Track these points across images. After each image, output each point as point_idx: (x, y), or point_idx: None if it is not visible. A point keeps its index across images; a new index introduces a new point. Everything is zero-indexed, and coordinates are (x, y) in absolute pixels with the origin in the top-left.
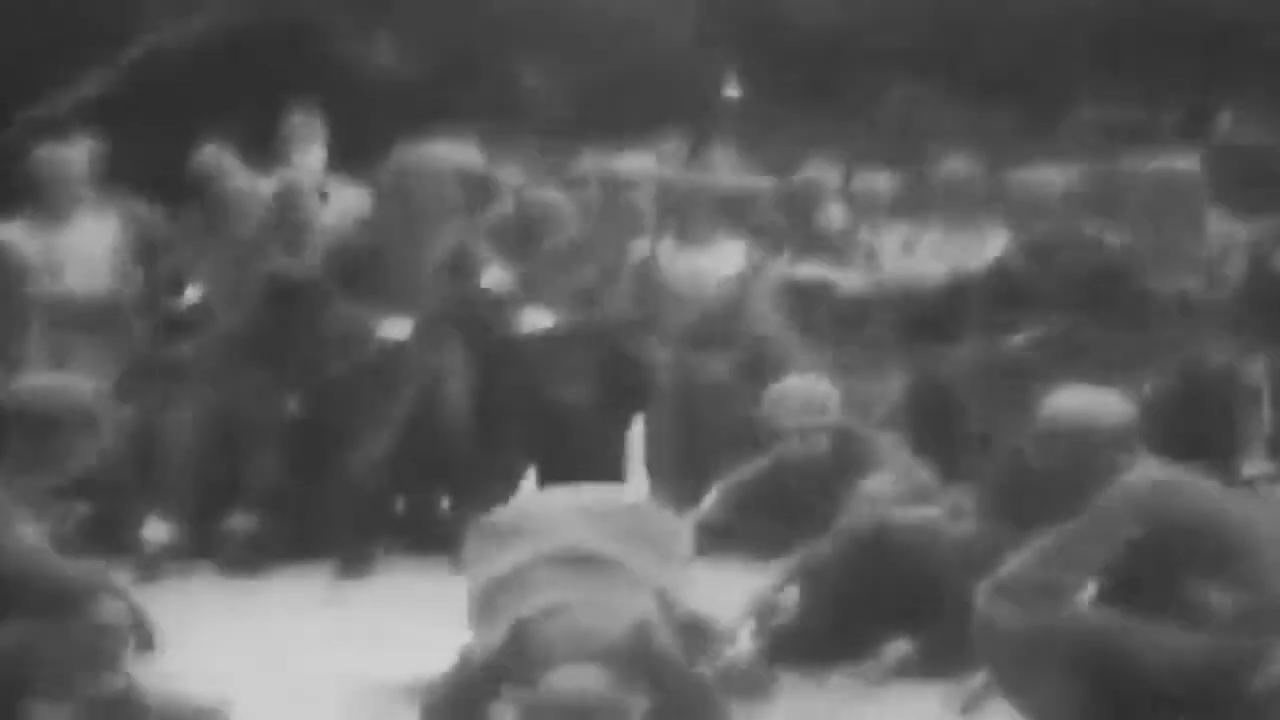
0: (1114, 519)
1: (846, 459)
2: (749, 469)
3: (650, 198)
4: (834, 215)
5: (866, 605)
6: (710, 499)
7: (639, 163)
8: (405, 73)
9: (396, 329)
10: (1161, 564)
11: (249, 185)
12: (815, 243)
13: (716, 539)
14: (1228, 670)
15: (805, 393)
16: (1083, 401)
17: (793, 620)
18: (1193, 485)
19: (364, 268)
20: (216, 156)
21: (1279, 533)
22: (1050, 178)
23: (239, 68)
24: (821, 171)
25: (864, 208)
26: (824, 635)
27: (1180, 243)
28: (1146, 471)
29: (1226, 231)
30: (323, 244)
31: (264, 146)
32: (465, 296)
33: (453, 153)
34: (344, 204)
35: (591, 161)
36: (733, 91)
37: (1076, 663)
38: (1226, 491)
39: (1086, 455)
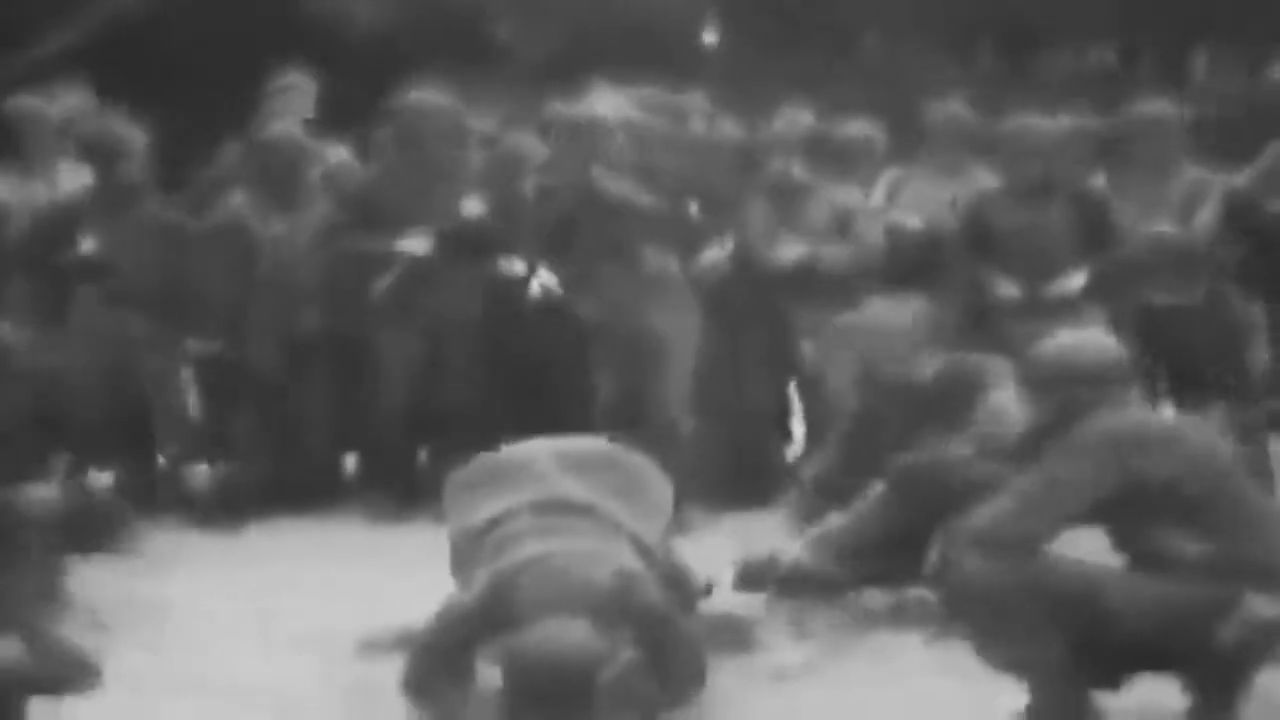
0: (1085, 468)
1: (956, 386)
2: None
3: (611, 142)
4: (797, 167)
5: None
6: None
7: (598, 105)
8: (381, 26)
9: (414, 244)
10: (1133, 513)
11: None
12: (777, 195)
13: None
14: (1196, 620)
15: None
16: (1074, 342)
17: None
18: (1168, 431)
19: (380, 214)
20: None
21: (1253, 479)
22: (1037, 124)
23: (215, 22)
24: (792, 120)
25: (844, 155)
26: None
27: (1155, 187)
28: (1120, 417)
29: (1198, 176)
30: (335, 193)
31: (241, 103)
32: (466, 236)
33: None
34: (327, 160)
35: (553, 107)
36: (711, 38)
37: (1046, 613)
38: (1204, 435)
39: (1077, 396)
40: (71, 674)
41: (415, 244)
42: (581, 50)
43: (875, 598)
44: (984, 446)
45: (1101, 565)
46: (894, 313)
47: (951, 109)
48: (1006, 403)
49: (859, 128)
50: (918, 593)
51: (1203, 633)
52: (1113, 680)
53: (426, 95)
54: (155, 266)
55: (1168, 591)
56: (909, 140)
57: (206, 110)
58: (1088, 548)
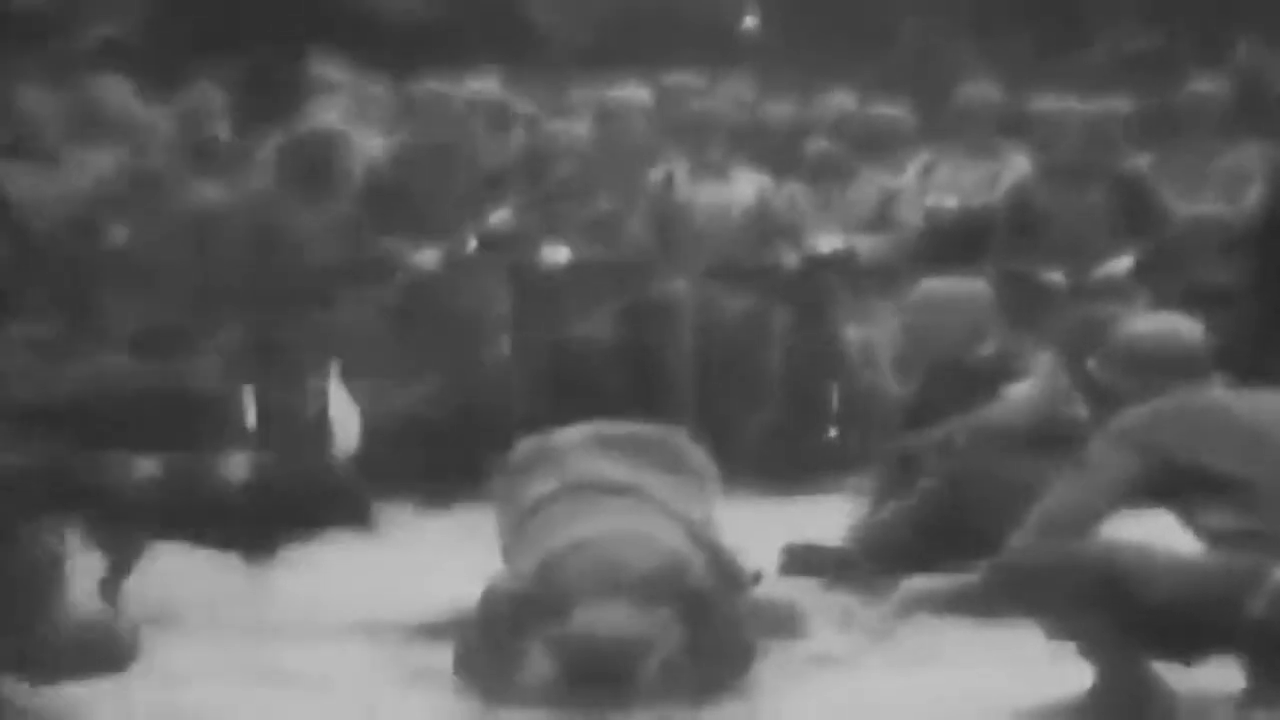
0: (1120, 453)
1: (1004, 373)
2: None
3: (648, 127)
4: (835, 146)
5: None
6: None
7: (632, 93)
8: (418, 11)
9: (426, 259)
10: (1184, 493)
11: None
12: (816, 173)
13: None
14: (1225, 594)
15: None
16: (1158, 325)
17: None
18: (1214, 412)
19: (395, 200)
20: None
21: None
22: (1073, 106)
23: (252, 10)
24: (835, 101)
25: (880, 136)
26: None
27: (1201, 167)
28: (1164, 400)
29: (1247, 156)
30: (353, 181)
31: (279, 90)
32: (495, 228)
33: (474, 85)
34: (368, 148)
35: (583, 93)
36: (751, 22)
37: (1083, 594)
38: (1244, 406)
39: (1158, 379)
40: (109, 652)
41: (426, 258)
42: (619, 35)
43: (921, 585)
44: (977, 436)
45: (1133, 544)
46: (957, 288)
47: (982, 90)
48: (1025, 392)
49: (889, 109)
50: (964, 580)
51: (1231, 607)
52: (1173, 656)
53: (435, 84)
54: (184, 254)
55: (1194, 567)
56: (944, 124)
57: (242, 98)
58: (1155, 528)
